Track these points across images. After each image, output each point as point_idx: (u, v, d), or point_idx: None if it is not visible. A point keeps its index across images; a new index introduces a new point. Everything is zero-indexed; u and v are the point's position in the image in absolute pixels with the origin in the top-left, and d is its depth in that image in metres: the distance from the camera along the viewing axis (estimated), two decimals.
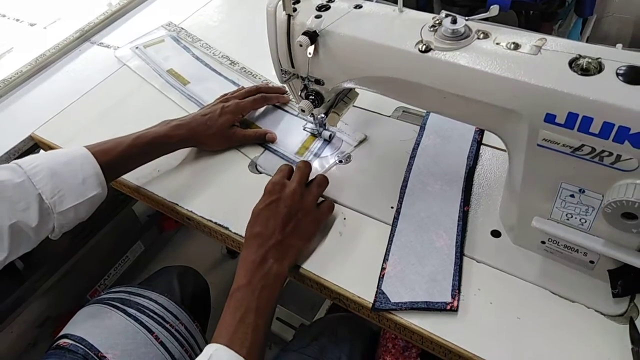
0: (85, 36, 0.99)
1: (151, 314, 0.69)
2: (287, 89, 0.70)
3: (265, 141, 0.71)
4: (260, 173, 0.68)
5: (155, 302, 0.71)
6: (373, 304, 0.52)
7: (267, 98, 0.75)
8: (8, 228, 0.54)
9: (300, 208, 0.57)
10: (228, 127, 0.69)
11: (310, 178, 0.63)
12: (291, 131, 0.73)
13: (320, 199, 0.62)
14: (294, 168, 0.62)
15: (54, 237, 0.60)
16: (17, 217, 0.54)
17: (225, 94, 0.76)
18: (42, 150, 0.83)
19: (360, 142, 0.69)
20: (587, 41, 1.55)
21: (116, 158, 0.62)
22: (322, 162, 0.68)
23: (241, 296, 0.51)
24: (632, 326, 0.47)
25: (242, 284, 0.52)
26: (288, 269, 0.55)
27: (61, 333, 0.67)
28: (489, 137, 0.67)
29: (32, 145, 0.81)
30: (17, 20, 1.09)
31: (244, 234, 0.58)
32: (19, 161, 0.58)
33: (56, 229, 0.59)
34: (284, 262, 0.54)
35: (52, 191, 0.56)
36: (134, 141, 0.63)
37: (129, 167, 0.65)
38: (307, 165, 0.62)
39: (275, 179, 0.60)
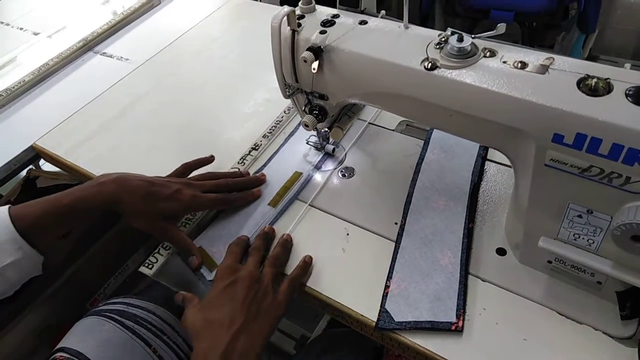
0: (89, 45, 0.99)
1: (149, 326, 0.68)
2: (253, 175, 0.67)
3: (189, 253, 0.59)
4: None
5: (153, 313, 0.70)
6: (377, 323, 0.51)
7: (230, 201, 0.63)
8: None
9: (259, 289, 0.52)
10: (163, 217, 0.57)
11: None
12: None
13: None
14: (253, 242, 0.54)
15: None
16: None
17: (187, 164, 0.64)
18: (42, 160, 0.82)
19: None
20: (589, 52, 1.56)
21: (38, 219, 0.53)
22: (323, 175, 0.67)
23: None
24: None
25: None
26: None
27: (58, 346, 0.66)
28: (493, 153, 0.66)
29: (34, 156, 0.80)
30: (21, 29, 1.09)
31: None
32: None
33: None
34: (250, 353, 0.47)
35: None
36: (56, 201, 0.54)
37: (64, 227, 0.55)
38: (265, 240, 0.54)
39: (225, 263, 0.55)
